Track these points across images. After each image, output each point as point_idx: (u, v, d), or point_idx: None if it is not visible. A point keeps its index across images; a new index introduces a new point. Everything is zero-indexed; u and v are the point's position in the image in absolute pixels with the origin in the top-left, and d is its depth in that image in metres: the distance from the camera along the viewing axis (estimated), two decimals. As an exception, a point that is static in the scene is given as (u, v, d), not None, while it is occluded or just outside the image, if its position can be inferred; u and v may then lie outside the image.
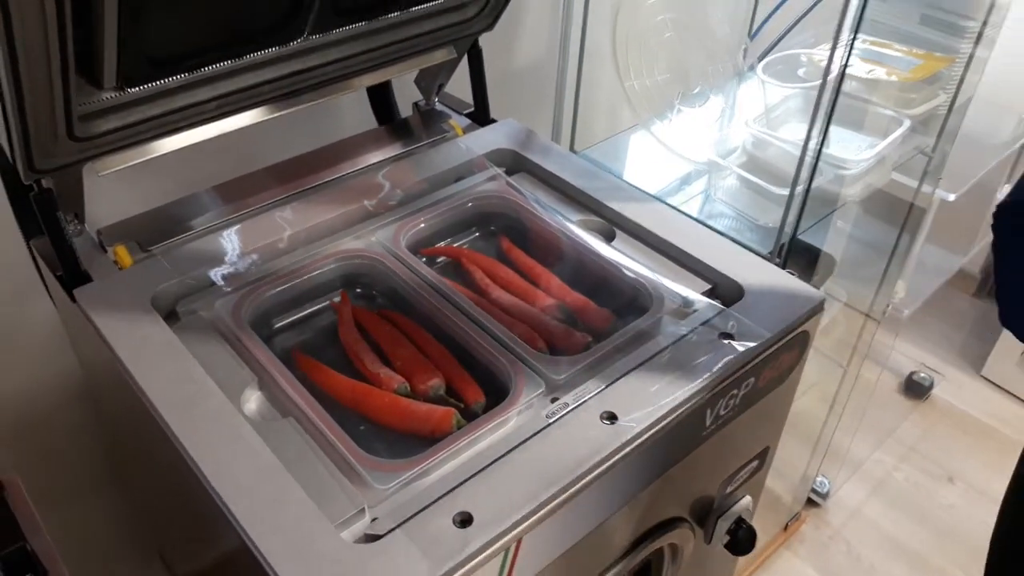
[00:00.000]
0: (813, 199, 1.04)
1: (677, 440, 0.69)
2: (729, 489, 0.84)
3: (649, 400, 0.65)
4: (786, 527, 1.61)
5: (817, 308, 0.76)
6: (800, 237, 1.28)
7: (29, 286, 1.00)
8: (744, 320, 0.73)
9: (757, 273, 0.79)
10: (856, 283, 1.39)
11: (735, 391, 0.71)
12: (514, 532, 0.57)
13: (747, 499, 0.89)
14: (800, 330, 0.75)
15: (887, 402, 1.93)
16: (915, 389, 1.92)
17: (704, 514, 0.85)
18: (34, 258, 0.87)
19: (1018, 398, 1.93)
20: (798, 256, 1.32)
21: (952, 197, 1.23)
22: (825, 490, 1.67)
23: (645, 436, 0.64)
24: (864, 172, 1.08)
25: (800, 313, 0.74)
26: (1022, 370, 1.93)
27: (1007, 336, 1.89)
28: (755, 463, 0.86)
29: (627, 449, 0.62)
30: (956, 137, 1.12)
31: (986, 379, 1.98)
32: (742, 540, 0.88)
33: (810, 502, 1.68)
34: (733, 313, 0.74)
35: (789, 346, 0.75)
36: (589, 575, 0.71)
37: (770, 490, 1.69)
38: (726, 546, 0.88)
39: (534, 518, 0.58)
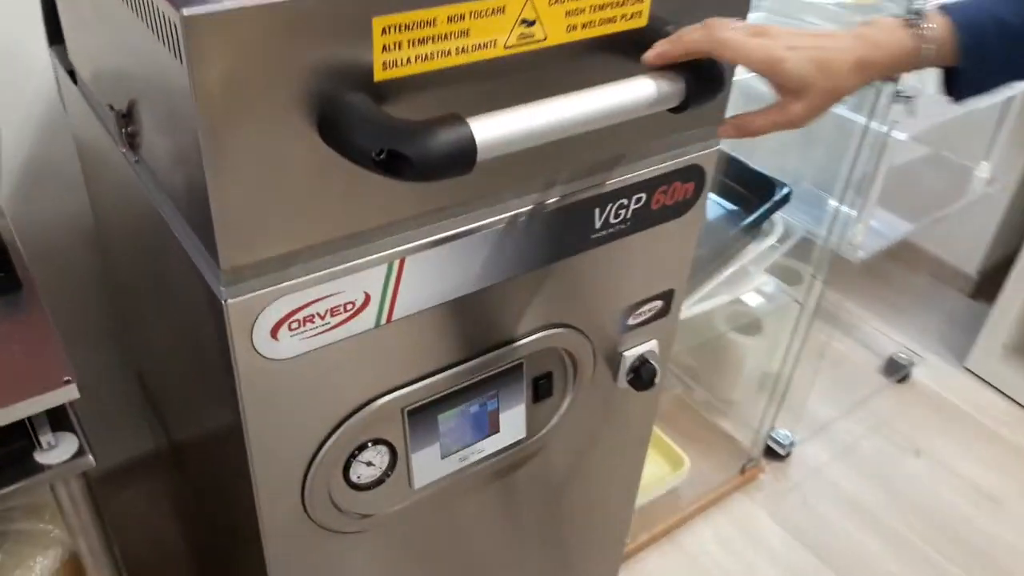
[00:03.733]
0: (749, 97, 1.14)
1: (566, 226, 0.78)
2: (632, 322, 0.93)
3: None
4: (743, 471, 1.67)
5: (709, 145, 0.85)
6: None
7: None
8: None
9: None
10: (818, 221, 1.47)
11: (624, 200, 0.81)
12: (397, 249, 0.68)
13: (653, 342, 0.98)
14: (693, 163, 0.85)
15: (864, 378, 1.98)
16: (894, 369, 1.96)
17: (610, 350, 0.94)
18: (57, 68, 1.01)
19: (999, 391, 1.96)
20: (752, 183, 1.41)
21: (904, 136, 1.30)
22: (788, 443, 1.72)
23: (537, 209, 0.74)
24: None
25: (691, 143, 0.84)
26: (1006, 364, 1.96)
27: (993, 330, 1.93)
28: (659, 303, 0.95)
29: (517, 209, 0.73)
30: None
31: (969, 370, 2.01)
32: (644, 377, 0.96)
33: (773, 455, 1.73)
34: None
35: (683, 176, 0.85)
36: (480, 341, 0.81)
37: (727, 432, 1.76)
38: (630, 383, 0.97)
39: (415, 231, 0.69)
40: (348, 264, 0.66)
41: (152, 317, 0.96)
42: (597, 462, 1.06)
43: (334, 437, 0.75)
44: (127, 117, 0.72)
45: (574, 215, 0.78)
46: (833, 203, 1.47)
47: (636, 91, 0.65)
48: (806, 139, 1.66)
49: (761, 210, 1.37)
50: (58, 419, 0.74)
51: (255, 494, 0.73)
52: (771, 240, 1.41)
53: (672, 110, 0.69)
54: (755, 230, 1.40)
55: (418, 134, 0.55)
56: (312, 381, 0.70)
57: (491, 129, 0.58)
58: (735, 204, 1.44)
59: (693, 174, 0.86)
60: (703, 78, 0.67)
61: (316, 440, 0.74)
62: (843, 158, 1.55)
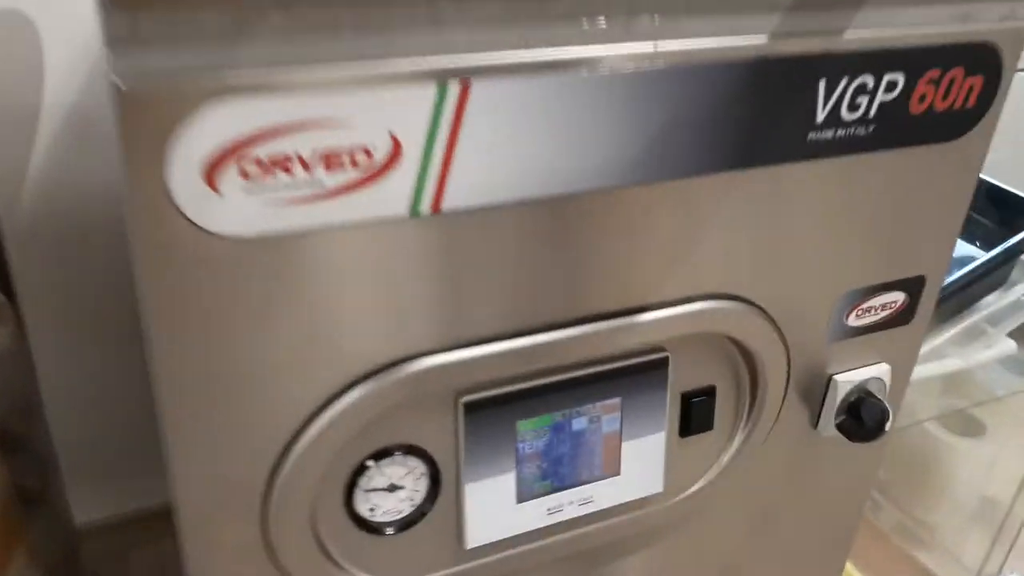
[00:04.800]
0: None
1: (768, 100, 0.45)
2: (853, 322, 0.57)
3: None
4: (957, 625, 1.20)
5: (1013, 16, 0.51)
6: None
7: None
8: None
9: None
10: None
11: (868, 80, 0.47)
12: (459, 62, 0.37)
13: (884, 367, 0.60)
14: (984, 40, 0.50)
15: None
16: None
17: (813, 365, 0.58)
18: None
19: None
20: (997, 207, 1.04)
21: None
22: (1020, 594, 1.24)
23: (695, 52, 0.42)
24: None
25: (981, 2, 0.49)
26: None
27: None
28: (900, 297, 0.58)
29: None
30: None
31: None
32: (866, 420, 0.59)
33: (998, 608, 1.25)
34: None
35: (965, 58, 0.50)
36: (598, 297, 0.47)
37: (927, 568, 1.30)
38: (840, 427, 0.60)
39: (493, 35, 0.37)
40: (361, 69, 0.35)
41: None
42: (770, 557, 0.68)
43: (327, 416, 0.42)
44: None
45: (783, 81, 0.45)
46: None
47: None
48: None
49: (1009, 242, 0.98)
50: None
51: (175, 505, 0.41)
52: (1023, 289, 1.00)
53: None
54: (998, 273, 1.01)
55: None
56: (288, 297, 0.39)
57: None
58: (969, 240, 1.05)
59: (982, 59, 0.51)
60: None
61: (294, 419, 0.42)
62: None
